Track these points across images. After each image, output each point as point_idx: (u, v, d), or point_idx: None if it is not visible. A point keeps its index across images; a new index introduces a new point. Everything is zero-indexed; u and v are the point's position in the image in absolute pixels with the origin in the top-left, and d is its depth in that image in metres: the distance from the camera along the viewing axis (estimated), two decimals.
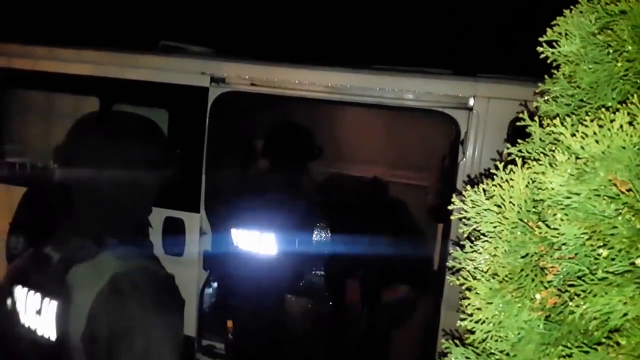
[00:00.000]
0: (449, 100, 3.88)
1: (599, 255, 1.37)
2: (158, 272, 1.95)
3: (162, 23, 6.82)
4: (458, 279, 1.72)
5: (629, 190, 1.34)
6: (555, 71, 1.74)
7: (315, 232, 4.22)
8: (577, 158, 1.41)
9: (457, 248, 1.79)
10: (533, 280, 1.54)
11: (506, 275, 1.59)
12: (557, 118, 1.47)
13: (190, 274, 4.24)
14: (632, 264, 1.32)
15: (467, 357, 1.72)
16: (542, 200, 1.52)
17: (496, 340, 1.61)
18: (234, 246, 4.21)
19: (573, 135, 1.40)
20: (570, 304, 1.39)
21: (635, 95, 1.39)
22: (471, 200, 1.69)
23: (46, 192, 3.60)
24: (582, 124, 1.38)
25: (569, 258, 1.47)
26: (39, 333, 1.87)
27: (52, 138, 4.83)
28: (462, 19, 6.84)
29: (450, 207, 1.80)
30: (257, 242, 4.15)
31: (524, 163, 1.62)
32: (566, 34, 1.64)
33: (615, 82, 1.55)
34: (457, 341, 1.77)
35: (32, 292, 1.90)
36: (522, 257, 1.58)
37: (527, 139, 1.76)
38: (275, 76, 4.15)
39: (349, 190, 5.21)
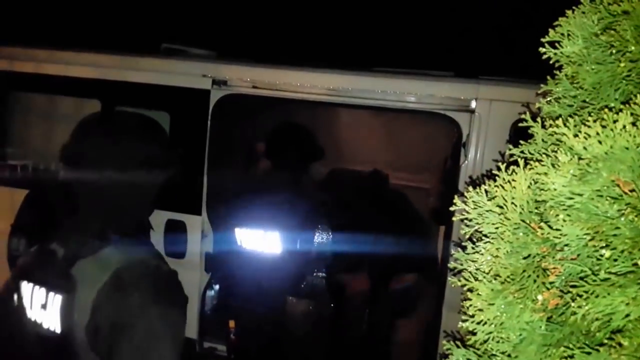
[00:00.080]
0: (450, 102, 3.88)
1: (601, 256, 1.37)
2: (161, 267, 1.98)
3: (164, 26, 6.82)
4: (460, 280, 1.72)
5: (632, 190, 1.34)
6: (557, 72, 1.74)
7: (318, 233, 4.22)
8: (579, 159, 1.41)
9: (459, 249, 1.78)
10: (535, 281, 1.53)
11: (508, 276, 1.58)
12: (560, 119, 1.46)
13: (191, 276, 4.24)
14: (635, 264, 1.32)
15: (468, 359, 1.72)
16: (544, 201, 1.51)
17: (498, 342, 1.60)
18: (236, 248, 4.20)
19: (576, 135, 1.39)
20: (573, 304, 1.38)
21: (638, 96, 1.38)
22: (473, 202, 1.68)
23: (48, 194, 3.60)
24: (585, 125, 1.37)
25: (571, 259, 1.46)
26: (45, 326, 1.90)
27: (54, 141, 4.84)
28: (464, 21, 6.84)
29: (452, 209, 1.80)
30: (259, 244, 4.14)
31: (526, 164, 1.62)
32: (568, 35, 1.64)
33: (618, 82, 1.54)
34: (458, 342, 1.76)
35: (37, 287, 1.94)
36: (524, 258, 1.57)
37: (529, 140, 1.76)
38: (277, 79, 4.16)
39: (350, 184, 5.21)
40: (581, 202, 1.40)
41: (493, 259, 1.63)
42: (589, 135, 1.36)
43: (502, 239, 1.61)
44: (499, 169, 1.66)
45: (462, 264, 1.76)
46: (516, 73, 3.89)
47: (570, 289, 1.42)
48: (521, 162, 1.61)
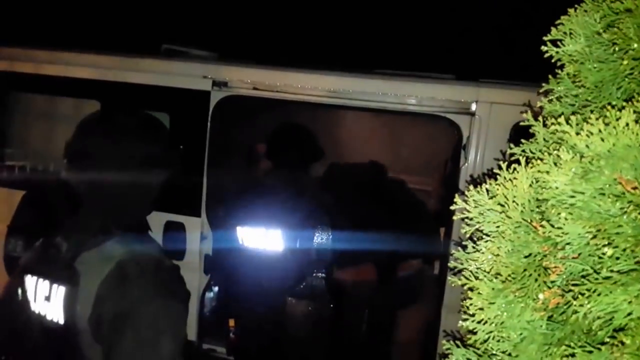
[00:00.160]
0: (451, 105, 3.88)
1: (603, 254, 1.36)
2: (163, 260, 2.01)
3: (165, 27, 6.82)
4: (460, 279, 1.71)
5: (635, 188, 1.33)
6: (559, 71, 1.73)
7: (318, 233, 4.21)
8: (581, 157, 1.40)
9: (459, 249, 1.78)
10: (536, 280, 1.52)
11: (509, 275, 1.57)
12: (562, 117, 1.45)
13: (191, 278, 4.22)
14: (638, 262, 1.31)
15: (468, 359, 1.71)
16: (545, 199, 1.50)
17: (498, 341, 1.59)
18: (236, 250, 4.19)
19: (578, 133, 1.38)
20: (575, 303, 1.37)
21: None
22: (474, 200, 1.67)
23: (48, 193, 3.59)
24: (588, 122, 1.36)
25: (573, 258, 1.45)
26: (48, 318, 1.94)
27: (53, 142, 4.84)
28: (464, 24, 6.84)
29: (452, 208, 1.79)
30: (259, 245, 4.13)
31: (527, 163, 1.61)
32: (570, 33, 1.63)
33: (620, 81, 1.53)
34: (458, 342, 1.75)
35: (41, 279, 1.98)
36: (525, 257, 1.56)
37: (530, 140, 1.75)
38: (278, 80, 4.15)
39: (349, 177, 5.20)
40: (583, 200, 1.39)
41: (494, 258, 1.62)
42: (591, 133, 1.35)
43: (503, 237, 1.60)
44: (499, 167, 1.65)
45: (462, 263, 1.75)
46: (516, 76, 3.89)
47: (572, 288, 1.41)
48: (522, 160, 1.60)
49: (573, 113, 1.62)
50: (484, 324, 1.61)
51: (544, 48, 1.68)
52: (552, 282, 1.51)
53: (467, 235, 1.75)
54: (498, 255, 1.61)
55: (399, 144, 6.20)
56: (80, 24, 7.17)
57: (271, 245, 4.08)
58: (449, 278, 2.27)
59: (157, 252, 2.05)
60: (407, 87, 3.96)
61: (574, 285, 1.40)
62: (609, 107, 1.36)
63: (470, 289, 1.65)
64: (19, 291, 2.05)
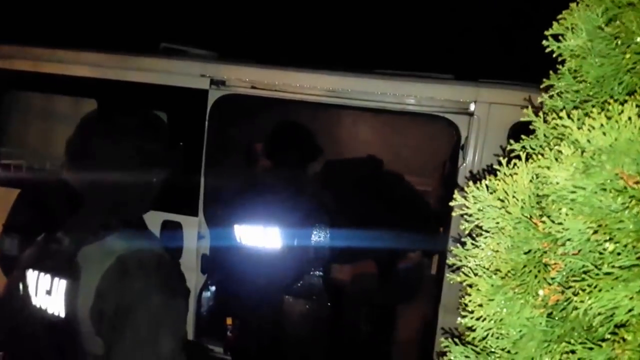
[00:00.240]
0: (449, 105, 3.87)
1: (604, 250, 1.35)
2: (164, 255, 2.04)
3: (163, 25, 6.81)
4: (459, 276, 1.69)
5: (637, 183, 1.32)
6: (560, 67, 1.71)
7: (317, 232, 4.20)
8: (582, 152, 1.39)
9: (458, 245, 1.76)
10: (536, 276, 1.51)
11: (509, 272, 1.56)
12: (563, 111, 1.44)
13: (188, 278, 4.19)
14: (639, 258, 1.30)
15: (466, 356, 1.69)
16: (546, 195, 1.49)
17: (497, 338, 1.58)
18: (234, 249, 4.18)
19: (579, 128, 1.37)
20: (575, 299, 1.36)
21: None
22: (473, 196, 1.65)
23: (41, 194, 3.57)
24: (589, 117, 1.35)
25: (573, 254, 1.44)
26: (49, 311, 1.97)
27: (50, 140, 4.82)
28: (464, 25, 6.84)
29: (451, 204, 1.77)
30: (257, 245, 4.12)
31: (527, 159, 1.60)
32: (572, 28, 1.61)
33: (622, 75, 1.52)
34: (456, 340, 1.74)
35: (42, 274, 2.01)
36: (525, 253, 1.55)
37: (530, 136, 1.74)
38: (276, 79, 4.13)
39: (346, 172, 5.20)
40: (584, 195, 1.37)
41: (493, 254, 1.60)
42: (593, 128, 1.34)
43: (503, 233, 1.58)
44: (499, 163, 1.64)
45: (461, 260, 1.73)
46: (515, 76, 3.88)
47: (573, 284, 1.39)
48: (523, 155, 1.58)
49: (574, 108, 1.61)
50: (482, 320, 1.60)
51: (545, 43, 1.66)
52: (552, 278, 1.50)
53: (466, 232, 1.73)
54: (498, 251, 1.59)
55: (397, 144, 6.19)
56: (79, 22, 7.16)
57: (269, 244, 4.06)
58: (446, 275, 2.25)
59: (157, 248, 2.06)
60: (406, 87, 3.95)
61: (574, 281, 1.39)
62: (611, 101, 1.34)
63: (469, 286, 1.64)
64: (20, 286, 2.07)
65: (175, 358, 1.91)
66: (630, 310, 1.29)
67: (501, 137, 3.65)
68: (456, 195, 1.73)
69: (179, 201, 4.24)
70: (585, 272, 1.38)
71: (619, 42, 1.51)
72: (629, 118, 1.30)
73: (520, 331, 1.53)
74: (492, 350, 1.60)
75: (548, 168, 1.44)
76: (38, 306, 2.01)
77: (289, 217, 3.99)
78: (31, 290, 2.03)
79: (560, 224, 1.42)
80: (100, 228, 1.99)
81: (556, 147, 1.45)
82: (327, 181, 4.83)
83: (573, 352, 1.36)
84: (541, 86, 1.76)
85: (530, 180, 1.55)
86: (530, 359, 1.51)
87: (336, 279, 4.75)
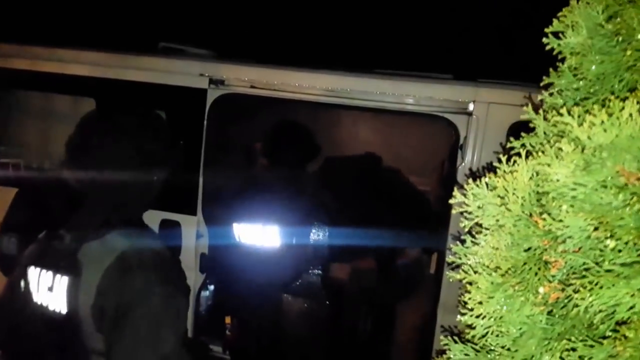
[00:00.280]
0: (448, 104, 3.86)
1: (605, 247, 1.34)
2: (164, 253, 2.08)
3: (162, 25, 6.80)
4: (459, 274, 1.69)
5: (638, 180, 1.31)
6: (560, 64, 1.71)
7: (317, 231, 4.20)
8: (583, 149, 1.38)
9: (458, 243, 1.75)
10: (536, 274, 1.50)
11: (509, 269, 1.55)
12: (564, 108, 1.43)
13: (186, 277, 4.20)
14: None
15: (466, 354, 1.68)
16: (546, 192, 1.48)
17: (497, 336, 1.57)
18: (233, 248, 4.17)
19: (580, 125, 1.36)
20: (576, 296, 1.35)
21: None
22: (473, 194, 1.65)
23: (39, 193, 3.57)
24: (590, 113, 1.34)
25: (573, 252, 1.44)
26: (51, 308, 2.00)
27: (48, 139, 4.81)
28: (463, 24, 6.84)
29: (451, 202, 1.76)
30: (257, 243, 4.11)
31: (527, 157, 1.59)
32: (572, 25, 1.61)
33: (622, 73, 1.52)
34: (455, 338, 1.73)
35: (44, 271, 2.04)
36: (526, 250, 1.54)
37: (530, 134, 1.73)
38: (275, 79, 4.12)
39: (345, 169, 5.20)
40: (585, 192, 1.37)
41: (493, 252, 1.60)
42: (594, 124, 1.33)
43: (503, 231, 1.58)
44: (499, 160, 1.63)
45: (460, 258, 1.73)
46: (514, 76, 3.88)
47: (573, 281, 1.39)
48: (523, 153, 1.58)
49: (574, 105, 1.60)
50: (482, 318, 1.60)
51: (545, 40, 1.66)
52: (553, 276, 1.49)
53: (466, 230, 1.72)
54: (498, 249, 1.59)
55: (396, 143, 6.18)
56: (77, 21, 7.15)
57: (268, 243, 4.06)
58: (446, 273, 2.25)
59: (158, 245, 2.09)
60: (405, 86, 3.94)
61: (575, 278, 1.39)
62: (612, 98, 1.34)
63: (469, 283, 1.63)
64: (22, 283, 2.09)
65: (176, 354, 1.93)
66: (631, 308, 1.28)
67: (500, 137, 3.64)
68: (456, 192, 1.72)
69: (178, 200, 4.22)
70: (586, 270, 1.37)
71: (620, 39, 1.51)
72: (630, 115, 1.29)
73: (520, 329, 1.53)
74: (492, 348, 1.59)
75: (548, 165, 1.43)
76: (39, 303, 2.03)
77: (287, 216, 3.98)
78: (33, 287, 2.05)
79: (560, 221, 1.42)
80: (101, 226, 2.01)
81: (556, 145, 1.45)
82: (326, 179, 4.83)
83: (574, 349, 1.36)
84: (541, 84, 1.76)
85: (531, 178, 1.55)
86: (531, 357, 1.50)
87: (335, 278, 4.75)
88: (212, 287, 4.73)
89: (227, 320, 4.35)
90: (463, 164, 3.79)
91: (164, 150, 2.17)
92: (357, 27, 7.20)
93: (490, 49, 6.42)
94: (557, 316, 1.49)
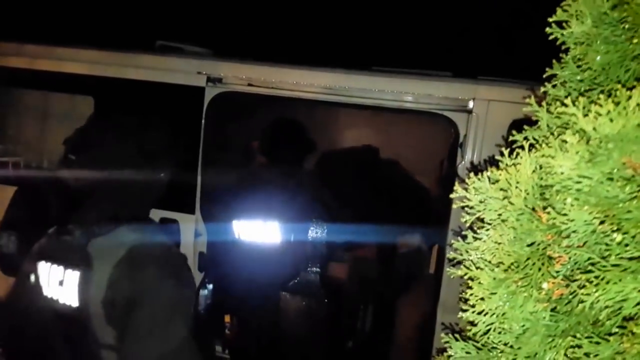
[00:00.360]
0: (448, 102, 3.83)
1: (611, 241, 1.30)
2: (173, 247, 2.15)
3: (159, 23, 6.77)
4: (460, 269, 1.65)
5: None
6: (563, 55, 1.67)
7: (315, 229, 4.17)
8: (588, 140, 1.34)
9: (459, 239, 1.72)
10: (540, 269, 1.46)
11: (511, 264, 1.52)
12: (568, 98, 1.39)
13: None
14: None
15: (467, 352, 1.65)
16: (550, 185, 1.45)
17: (499, 333, 1.54)
18: (231, 247, 4.14)
19: (586, 115, 1.32)
20: (581, 291, 1.32)
21: None
22: (474, 188, 1.61)
23: (38, 191, 3.55)
24: (596, 103, 1.30)
25: (578, 247, 1.40)
26: (61, 302, 2.03)
27: (47, 137, 4.78)
28: (462, 21, 6.82)
29: (452, 196, 1.73)
30: (255, 241, 4.08)
31: (530, 150, 1.55)
32: (576, 15, 1.57)
33: (628, 62, 1.48)
34: (457, 335, 1.69)
35: (55, 265, 2.06)
36: (529, 245, 1.51)
37: (533, 127, 1.69)
38: (273, 77, 4.09)
39: (343, 163, 5.19)
40: (590, 185, 1.33)
41: (496, 246, 1.56)
42: (599, 115, 1.29)
43: (506, 225, 1.54)
44: (502, 153, 1.60)
45: (461, 254, 1.69)
46: (514, 73, 3.85)
47: (580, 276, 1.35)
48: (526, 145, 1.54)
49: (579, 95, 1.56)
50: (484, 315, 1.56)
51: (548, 30, 1.62)
52: (557, 272, 1.46)
53: (467, 225, 1.68)
54: (500, 243, 1.55)
55: (395, 141, 6.15)
56: (74, 19, 7.13)
57: (266, 240, 4.04)
58: (446, 270, 2.21)
59: (167, 240, 2.14)
60: (404, 84, 3.91)
61: (581, 273, 1.35)
62: (619, 87, 1.30)
63: (471, 279, 1.60)
64: (32, 277, 2.12)
65: (186, 346, 1.96)
66: (639, 303, 1.25)
67: (500, 134, 3.61)
68: (457, 187, 1.69)
69: (176, 199, 4.19)
70: (592, 264, 1.33)
71: (626, 27, 1.47)
72: (638, 104, 1.25)
73: (523, 326, 1.50)
74: (494, 345, 1.56)
75: (552, 157, 1.40)
76: (50, 297, 2.05)
77: (286, 214, 3.96)
78: (43, 281, 2.08)
79: (565, 214, 1.38)
80: (111, 221, 2.04)
81: (560, 137, 1.41)
82: (323, 175, 4.81)
83: (579, 346, 1.32)
84: (544, 75, 1.72)
85: (534, 171, 1.51)
86: (534, 355, 1.47)
87: (334, 274, 4.73)
88: (210, 286, 4.70)
89: (227, 319, 4.33)
90: (463, 162, 3.76)
91: (171, 147, 2.23)
92: (356, 24, 7.19)
93: (489, 47, 6.41)
94: (561, 313, 1.45)
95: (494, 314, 1.54)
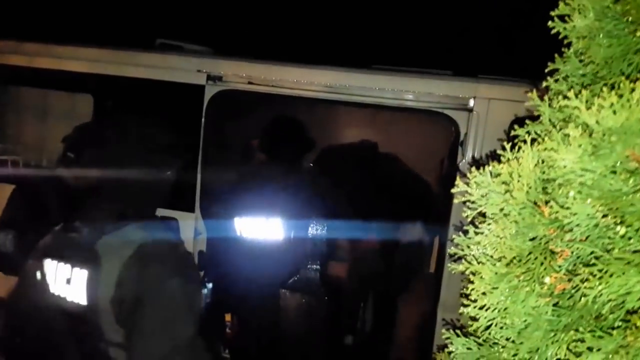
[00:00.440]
0: (448, 101, 3.83)
1: (614, 234, 1.29)
2: (180, 246, 2.15)
3: (160, 21, 6.77)
4: (462, 264, 1.64)
5: None
6: (565, 50, 1.66)
7: (315, 227, 4.17)
8: (591, 133, 1.33)
9: (460, 234, 1.71)
10: (542, 264, 1.45)
11: (513, 259, 1.51)
12: (571, 91, 1.38)
13: None
14: None
15: (468, 348, 1.64)
16: (552, 179, 1.44)
17: (501, 328, 1.53)
18: (231, 245, 4.14)
19: (589, 108, 1.31)
20: (584, 285, 1.31)
21: None
22: (476, 182, 1.60)
23: (36, 190, 3.54)
24: (599, 96, 1.29)
25: (581, 240, 1.39)
26: (69, 300, 2.03)
27: (46, 136, 4.77)
28: (463, 20, 6.82)
29: (453, 191, 1.72)
30: (255, 239, 4.08)
31: (532, 144, 1.54)
32: (579, 8, 1.56)
33: (631, 56, 1.47)
34: (458, 331, 1.68)
35: (62, 263, 2.06)
36: (531, 239, 1.50)
37: (535, 121, 1.68)
38: (273, 75, 4.09)
39: (342, 158, 5.20)
40: (593, 178, 1.32)
41: (498, 241, 1.55)
42: (603, 107, 1.28)
43: (508, 219, 1.53)
44: (503, 148, 1.59)
45: (463, 250, 1.68)
46: (514, 72, 3.84)
47: (582, 269, 1.34)
48: (528, 139, 1.53)
49: (585, 86, 1.56)
50: (486, 310, 1.55)
51: (551, 24, 1.61)
52: (559, 266, 1.45)
53: (469, 220, 1.68)
54: (502, 238, 1.54)
55: (395, 140, 6.14)
56: (75, 17, 7.12)
57: (267, 238, 4.03)
58: (447, 266, 2.20)
59: (174, 238, 2.19)
60: (405, 82, 3.91)
61: (584, 266, 1.34)
62: (622, 79, 1.29)
63: (473, 274, 1.59)
64: (38, 275, 2.12)
65: (193, 344, 1.97)
66: None
67: (501, 133, 3.60)
68: (458, 181, 1.68)
69: (175, 197, 4.18)
70: (595, 258, 1.32)
71: (629, 20, 1.46)
72: None
73: (525, 320, 1.49)
74: (496, 340, 1.55)
75: (555, 151, 1.39)
76: (56, 294, 2.05)
77: (285, 212, 3.96)
78: (49, 278, 2.08)
79: (567, 208, 1.37)
80: (118, 219, 2.05)
81: (563, 130, 1.40)
82: (323, 172, 4.81)
83: (582, 340, 1.31)
84: (546, 70, 1.71)
85: (536, 165, 1.50)
86: (536, 350, 1.46)
87: (334, 271, 4.73)
88: (210, 285, 4.69)
89: (227, 318, 4.32)
90: (464, 160, 3.76)
91: (170, 147, 2.22)
92: (357, 23, 7.18)
93: (490, 45, 6.41)
94: (563, 307, 1.44)
95: (495, 308, 1.53)
